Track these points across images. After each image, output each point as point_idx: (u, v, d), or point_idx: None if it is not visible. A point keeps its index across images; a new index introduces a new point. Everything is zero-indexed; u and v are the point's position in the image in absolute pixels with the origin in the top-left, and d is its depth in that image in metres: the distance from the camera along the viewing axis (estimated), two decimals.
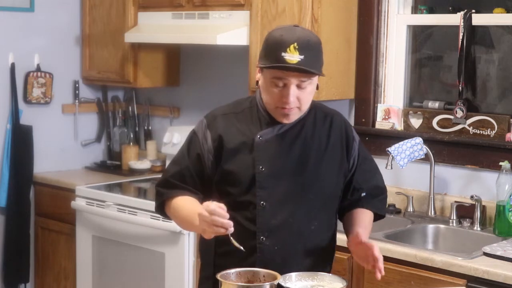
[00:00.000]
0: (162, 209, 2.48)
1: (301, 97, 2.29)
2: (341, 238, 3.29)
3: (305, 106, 2.34)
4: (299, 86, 2.27)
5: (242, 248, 2.20)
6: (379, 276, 2.25)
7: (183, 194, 2.40)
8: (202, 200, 2.36)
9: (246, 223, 2.34)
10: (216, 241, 2.36)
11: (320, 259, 2.43)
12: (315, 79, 2.31)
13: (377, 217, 2.56)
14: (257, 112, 2.40)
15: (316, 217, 2.39)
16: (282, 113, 2.31)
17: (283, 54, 2.22)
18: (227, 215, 2.14)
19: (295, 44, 2.22)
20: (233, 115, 2.42)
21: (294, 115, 2.34)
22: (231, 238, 2.18)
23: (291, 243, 2.36)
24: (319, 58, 2.29)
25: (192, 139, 2.44)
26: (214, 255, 2.41)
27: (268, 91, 2.31)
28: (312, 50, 2.25)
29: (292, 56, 2.21)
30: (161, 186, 2.47)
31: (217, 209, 2.13)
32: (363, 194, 2.50)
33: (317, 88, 2.36)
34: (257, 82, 2.36)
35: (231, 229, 2.15)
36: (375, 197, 2.53)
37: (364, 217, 2.49)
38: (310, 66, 2.23)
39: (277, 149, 2.36)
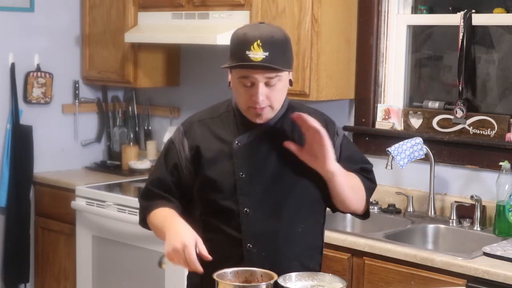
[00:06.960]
0: (145, 223, 2.46)
1: (271, 95, 2.24)
2: (340, 238, 3.30)
3: (277, 104, 2.29)
4: (267, 84, 2.22)
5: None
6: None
7: (162, 205, 2.36)
8: (181, 210, 2.34)
9: (231, 231, 2.31)
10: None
11: (309, 261, 2.38)
12: (285, 76, 2.26)
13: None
14: (234, 117, 2.36)
15: (302, 219, 2.35)
16: (254, 113, 2.27)
17: (247, 52, 2.17)
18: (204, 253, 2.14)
19: (258, 41, 2.17)
20: (209, 121, 2.38)
21: (267, 114, 2.28)
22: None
23: (278, 248, 2.32)
24: (285, 54, 2.24)
25: (169, 148, 2.41)
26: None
27: (237, 92, 2.27)
28: (277, 46, 2.20)
29: (256, 54, 2.17)
30: (142, 197, 2.45)
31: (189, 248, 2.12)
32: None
33: (291, 84, 2.31)
34: (229, 83, 2.32)
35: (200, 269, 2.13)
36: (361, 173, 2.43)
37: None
38: (274, 63, 2.18)
39: (256, 153, 2.32)
